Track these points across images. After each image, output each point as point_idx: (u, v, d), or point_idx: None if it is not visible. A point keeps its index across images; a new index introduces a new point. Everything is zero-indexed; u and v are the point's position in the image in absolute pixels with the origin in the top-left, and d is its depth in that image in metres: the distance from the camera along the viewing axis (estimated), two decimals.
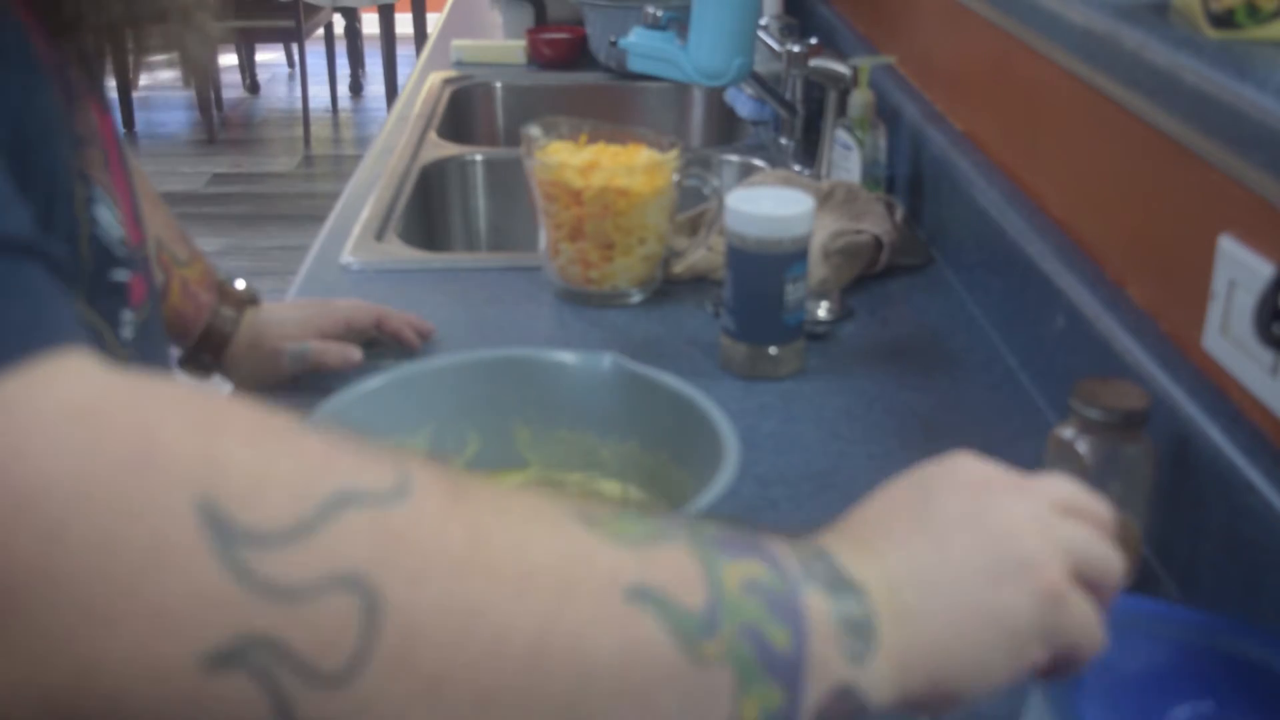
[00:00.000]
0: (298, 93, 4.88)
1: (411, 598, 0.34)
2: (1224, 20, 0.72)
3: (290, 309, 1.06)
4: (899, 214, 1.30)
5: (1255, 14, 0.71)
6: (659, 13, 1.39)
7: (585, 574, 0.38)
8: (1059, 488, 0.51)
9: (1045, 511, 0.49)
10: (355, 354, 1.03)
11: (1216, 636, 0.63)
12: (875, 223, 1.23)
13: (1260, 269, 0.70)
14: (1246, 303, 0.70)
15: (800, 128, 1.57)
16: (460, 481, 0.38)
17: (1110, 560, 0.50)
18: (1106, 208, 0.96)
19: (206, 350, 1.00)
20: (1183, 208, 0.83)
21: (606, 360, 0.81)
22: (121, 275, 0.57)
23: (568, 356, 0.83)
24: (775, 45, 1.62)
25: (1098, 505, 0.51)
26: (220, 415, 0.35)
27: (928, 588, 0.45)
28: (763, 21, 1.77)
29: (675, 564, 0.40)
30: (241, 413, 0.36)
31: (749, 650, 0.40)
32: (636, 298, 1.19)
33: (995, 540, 0.47)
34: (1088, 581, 0.49)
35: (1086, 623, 0.48)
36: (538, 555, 0.38)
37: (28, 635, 0.31)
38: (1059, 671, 0.50)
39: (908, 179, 1.38)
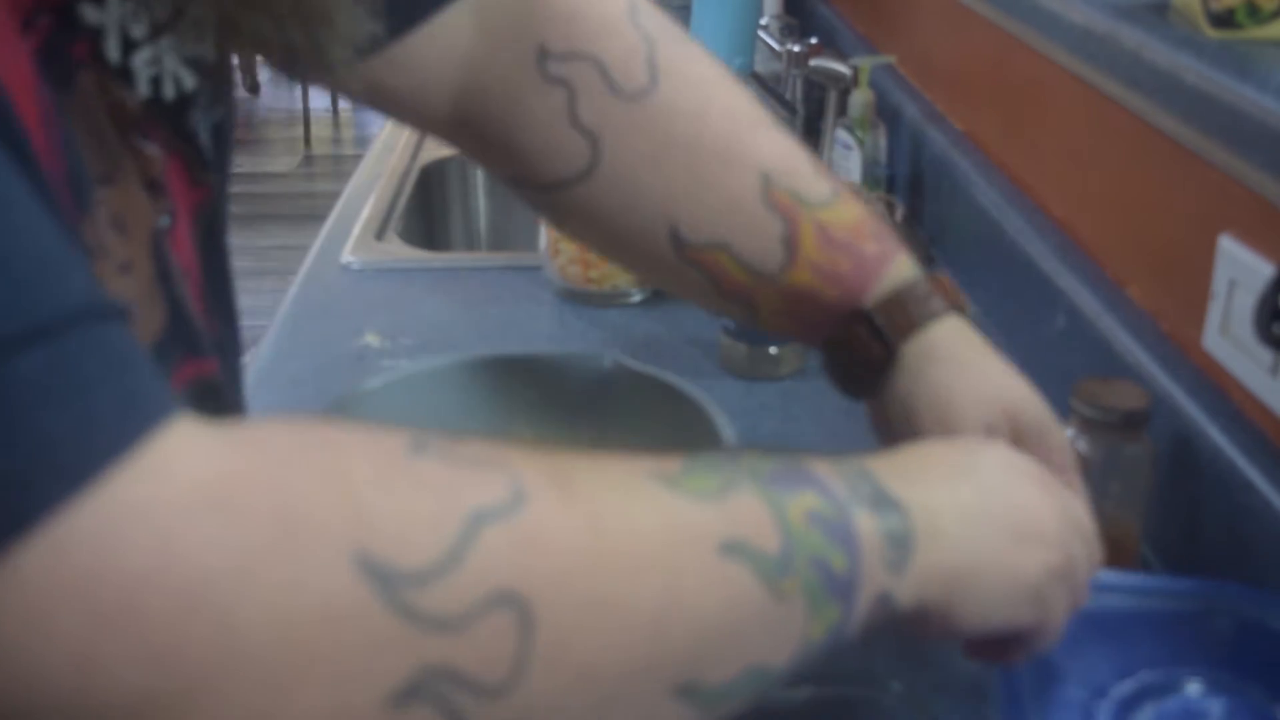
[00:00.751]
0: (298, 93, 4.88)
1: (555, 600, 0.37)
2: (1224, 20, 0.72)
3: (997, 375, 0.64)
4: (899, 214, 1.30)
5: (1255, 14, 0.72)
6: None
7: (686, 541, 0.41)
8: (1077, 508, 0.56)
9: (1061, 516, 0.54)
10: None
11: (1170, 598, 0.68)
12: None
13: (1260, 269, 0.70)
14: (1246, 303, 0.70)
15: (800, 128, 1.56)
16: (556, 466, 0.40)
17: (1083, 593, 0.55)
18: (1106, 208, 0.96)
19: (865, 355, 0.66)
20: (1183, 208, 0.83)
21: (606, 360, 0.82)
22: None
23: (568, 356, 0.83)
24: (775, 45, 1.62)
25: (1098, 544, 0.56)
26: (341, 458, 0.36)
27: (963, 520, 0.50)
28: (763, 21, 1.77)
29: (751, 512, 0.43)
30: (358, 448, 0.37)
31: (817, 579, 0.44)
32: (636, 297, 1.19)
33: (1025, 512, 0.53)
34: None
35: (1059, 614, 0.54)
36: (645, 532, 0.41)
37: (218, 718, 0.31)
38: (1010, 653, 0.56)
39: (908, 179, 1.38)
